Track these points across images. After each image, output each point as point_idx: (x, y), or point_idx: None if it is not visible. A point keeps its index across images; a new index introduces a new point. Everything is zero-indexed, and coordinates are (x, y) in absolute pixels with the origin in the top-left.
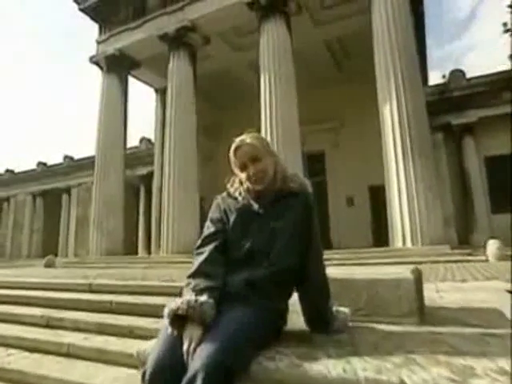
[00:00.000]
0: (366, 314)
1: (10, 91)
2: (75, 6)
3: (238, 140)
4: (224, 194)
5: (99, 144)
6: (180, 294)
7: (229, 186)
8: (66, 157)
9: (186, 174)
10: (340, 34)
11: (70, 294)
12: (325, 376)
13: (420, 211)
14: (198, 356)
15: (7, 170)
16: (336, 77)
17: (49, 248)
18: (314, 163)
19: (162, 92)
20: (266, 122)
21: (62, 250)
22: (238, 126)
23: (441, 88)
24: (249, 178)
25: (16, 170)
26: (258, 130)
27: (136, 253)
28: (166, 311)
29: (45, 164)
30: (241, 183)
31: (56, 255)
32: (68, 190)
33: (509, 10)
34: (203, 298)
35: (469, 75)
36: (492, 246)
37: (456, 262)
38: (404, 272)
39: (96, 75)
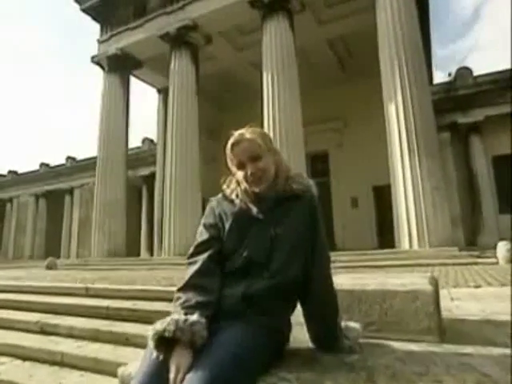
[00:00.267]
0: (378, 329)
1: (13, 91)
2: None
3: (236, 134)
4: (219, 196)
5: (101, 144)
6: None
7: (225, 186)
8: (68, 158)
9: (187, 174)
10: (343, 33)
11: (66, 299)
12: None
13: (427, 212)
14: None
15: (10, 172)
16: (339, 76)
17: (51, 249)
18: (318, 164)
19: (164, 92)
20: (268, 122)
21: (65, 251)
22: (241, 126)
23: (447, 86)
24: (246, 179)
25: (19, 172)
26: None
27: (138, 254)
28: (150, 333)
29: (47, 165)
30: (238, 184)
31: (58, 256)
32: (71, 191)
33: None
34: (194, 317)
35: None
36: (502, 248)
37: (465, 264)
38: (421, 282)
39: (100, 74)
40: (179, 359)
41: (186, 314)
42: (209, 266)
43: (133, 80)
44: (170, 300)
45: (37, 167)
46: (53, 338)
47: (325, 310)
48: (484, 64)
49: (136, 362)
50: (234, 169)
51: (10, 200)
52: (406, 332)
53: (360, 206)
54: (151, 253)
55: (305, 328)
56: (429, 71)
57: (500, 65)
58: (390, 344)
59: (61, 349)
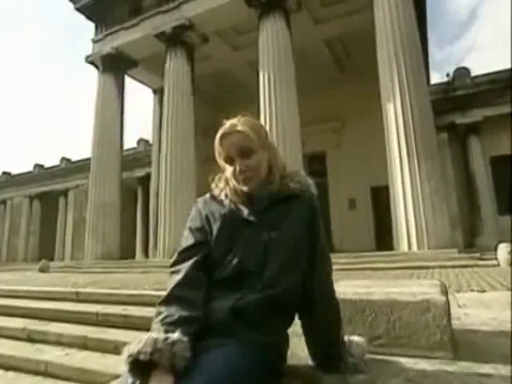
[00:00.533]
0: (385, 343)
1: (10, 91)
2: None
3: (227, 124)
4: (207, 196)
5: (95, 145)
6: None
7: (213, 185)
8: (63, 159)
9: (183, 175)
10: (341, 33)
11: (55, 304)
12: None
13: (426, 214)
14: None
15: (4, 173)
16: (337, 76)
17: (45, 251)
18: (315, 164)
19: (159, 92)
20: (265, 122)
21: (59, 254)
22: None
23: (445, 87)
24: (235, 175)
25: (13, 173)
26: None
27: (133, 257)
28: (124, 355)
29: (42, 166)
30: (227, 182)
31: (52, 259)
32: (65, 193)
33: None
34: (175, 335)
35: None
36: (503, 250)
37: (466, 266)
38: (432, 292)
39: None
40: None
41: (166, 331)
42: (194, 276)
43: (129, 80)
44: None
45: (31, 168)
46: (39, 345)
47: (326, 323)
48: (481, 65)
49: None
50: (222, 163)
51: (4, 202)
52: (415, 347)
53: (358, 207)
54: (146, 255)
55: (303, 339)
56: (426, 72)
57: (497, 66)
58: (398, 361)
59: (46, 357)
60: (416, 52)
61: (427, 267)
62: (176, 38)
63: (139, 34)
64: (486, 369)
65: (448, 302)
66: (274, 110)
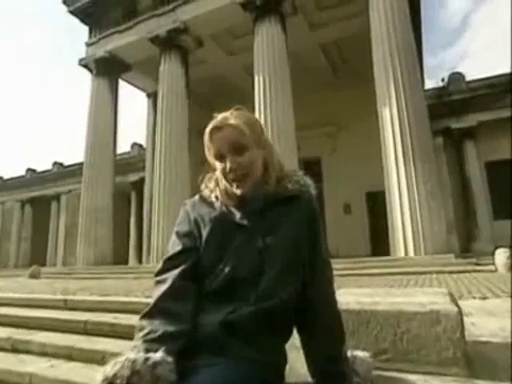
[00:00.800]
0: (391, 358)
1: (3, 92)
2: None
3: (218, 118)
4: (195, 197)
5: (88, 149)
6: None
7: (203, 186)
8: (55, 163)
9: (177, 179)
10: (336, 37)
11: (43, 312)
12: None
13: (423, 218)
14: None
15: None
16: (333, 81)
17: (37, 257)
18: (311, 169)
19: (154, 96)
20: None
21: (51, 259)
22: None
23: (439, 91)
24: (225, 175)
25: (4, 177)
26: None
27: (126, 262)
28: (98, 378)
29: (34, 170)
30: (218, 182)
31: (44, 264)
32: (57, 197)
33: None
34: (158, 354)
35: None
36: (501, 255)
37: (463, 272)
38: (442, 301)
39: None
40: None
41: (147, 350)
42: (181, 286)
43: (124, 84)
44: None
45: (23, 172)
46: (23, 356)
47: (328, 337)
48: (474, 72)
49: None
50: (211, 160)
51: None
52: (425, 363)
53: (353, 212)
54: (140, 260)
55: (302, 352)
56: (421, 78)
57: (490, 72)
58: (407, 379)
59: (30, 369)
60: (411, 53)
61: (424, 273)
62: (171, 42)
63: (133, 38)
64: None
65: (461, 313)
66: (270, 113)
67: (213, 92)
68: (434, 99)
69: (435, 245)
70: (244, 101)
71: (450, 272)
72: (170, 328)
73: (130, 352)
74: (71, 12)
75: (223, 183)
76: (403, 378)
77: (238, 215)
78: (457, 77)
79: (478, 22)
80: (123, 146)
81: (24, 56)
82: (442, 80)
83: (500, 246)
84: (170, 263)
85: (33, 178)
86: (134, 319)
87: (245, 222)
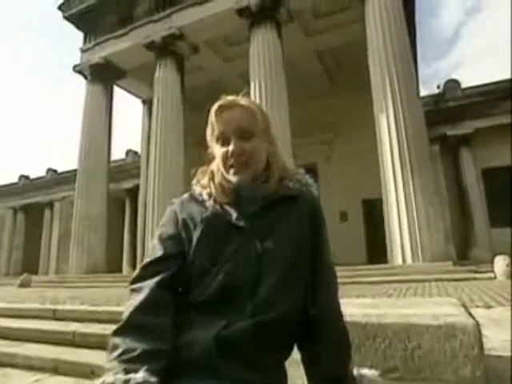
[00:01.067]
0: (402, 377)
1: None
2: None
3: (226, 98)
4: (185, 195)
5: (82, 156)
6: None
7: (194, 181)
8: (49, 170)
9: (171, 187)
10: (332, 44)
11: (29, 323)
12: None
13: (420, 225)
14: None
15: None
16: (328, 88)
17: (29, 265)
18: None
19: (149, 103)
20: None
21: (43, 267)
22: None
23: (435, 98)
24: (225, 160)
25: None
26: None
27: (120, 270)
28: None
29: (27, 177)
30: (212, 177)
31: (36, 273)
32: (51, 204)
33: None
34: (139, 375)
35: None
36: (501, 262)
37: (462, 280)
38: (457, 313)
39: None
40: None
41: (126, 371)
42: (159, 296)
43: (119, 90)
44: None
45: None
46: (8, 370)
47: (333, 355)
48: (467, 81)
49: None
50: (212, 143)
51: None
52: (440, 381)
53: (349, 220)
54: (134, 269)
55: (302, 368)
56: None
57: (483, 81)
58: None
59: None
60: (407, 61)
61: (423, 280)
62: (166, 48)
63: (129, 44)
64: None
65: (478, 326)
66: None
67: (208, 99)
68: (430, 106)
69: (433, 252)
70: None
71: (449, 280)
72: (148, 346)
73: (105, 375)
74: (66, 18)
75: (219, 174)
76: None
77: (233, 215)
78: (452, 84)
79: (470, 33)
80: (119, 153)
81: (17, 61)
82: (438, 87)
83: (498, 254)
84: (147, 270)
85: (26, 184)
86: None
87: (241, 223)
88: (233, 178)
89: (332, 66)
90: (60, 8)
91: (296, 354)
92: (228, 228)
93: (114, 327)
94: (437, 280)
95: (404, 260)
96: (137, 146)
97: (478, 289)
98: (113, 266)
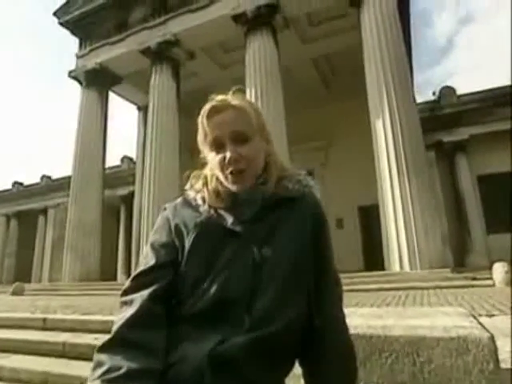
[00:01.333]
0: None
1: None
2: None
3: (217, 99)
4: (178, 200)
5: (76, 163)
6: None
7: (188, 185)
8: (43, 176)
9: (166, 194)
10: (328, 52)
11: (18, 333)
12: None
13: (417, 232)
14: None
15: None
16: (324, 94)
17: (22, 273)
18: None
19: (144, 109)
20: None
21: (36, 275)
22: None
23: (431, 105)
24: (222, 167)
25: None
26: None
27: (115, 278)
28: None
29: (21, 184)
30: (206, 182)
31: (29, 281)
32: (45, 211)
33: None
34: None
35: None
36: (499, 269)
37: (461, 287)
38: (469, 325)
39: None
40: None
41: None
42: (151, 310)
43: (116, 98)
44: None
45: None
46: None
47: (338, 373)
48: (463, 88)
49: None
50: (206, 149)
51: None
52: None
53: (345, 227)
54: (129, 276)
55: (302, 381)
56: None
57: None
58: None
59: None
60: (403, 67)
61: (422, 288)
62: (162, 54)
63: (124, 50)
64: None
65: (493, 339)
66: None
67: (204, 104)
68: (425, 113)
69: (431, 259)
70: None
71: (448, 287)
72: (137, 364)
73: None
74: (62, 24)
75: (214, 180)
76: None
77: (229, 220)
78: (447, 91)
79: (464, 42)
80: (115, 160)
81: (11, 67)
82: (433, 94)
83: (495, 261)
84: (139, 281)
85: (19, 191)
86: None
87: (238, 228)
88: (232, 187)
89: (328, 72)
90: (55, 14)
91: (296, 369)
92: (223, 234)
93: (106, 337)
94: (435, 287)
95: (401, 267)
96: (132, 153)
97: (478, 296)
98: (107, 273)
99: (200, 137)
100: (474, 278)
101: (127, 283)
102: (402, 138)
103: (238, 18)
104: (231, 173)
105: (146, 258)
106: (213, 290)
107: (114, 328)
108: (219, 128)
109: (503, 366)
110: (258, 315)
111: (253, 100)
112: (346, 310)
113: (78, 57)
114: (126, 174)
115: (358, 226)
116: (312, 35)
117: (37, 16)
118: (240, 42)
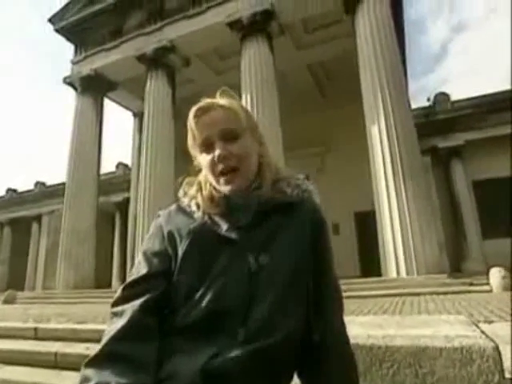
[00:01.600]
0: None
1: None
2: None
3: (204, 101)
4: (172, 207)
5: (70, 169)
6: None
7: (181, 192)
8: (37, 183)
9: (162, 200)
10: (323, 58)
11: (9, 343)
12: None
13: (414, 238)
14: None
15: None
16: (320, 101)
17: (15, 280)
18: None
19: (140, 116)
20: None
21: (30, 283)
22: None
23: (426, 111)
24: (213, 167)
25: None
26: None
27: (110, 285)
28: None
29: (15, 191)
30: (200, 187)
31: (23, 289)
32: (39, 218)
33: None
34: None
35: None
36: (496, 275)
37: (458, 293)
38: (472, 333)
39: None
40: None
41: None
42: (142, 322)
43: (112, 104)
44: None
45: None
46: None
47: (339, 383)
48: (457, 95)
49: None
50: (196, 153)
51: None
52: None
53: (341, 233)
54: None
55: None
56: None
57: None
58: None
59: None
60: (398, 73)
61: (419, 294)
62: (157, 60)
63: (120, 56)
64: None
65: (498, 349)
66: None
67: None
68: (420, 118)
69: (427, 264)
70: None
71: (445, 293)
72: (126, 380)
73: None
74: (57, 30)
75: (208, 185)
76: None
77: (224, 226)
78: (442, 97)
79: (457, 49)
80: (110, 166)
81: (8, 71)
82: (428, 100)
83: (491, 265)
84: (130, 291)
85: (13, 198)
86: None
87: (233, 235)
88: (225, 189)
89: (323, 78)
90: (50, 21)
91: (294, 382)
92: (217, 241)
93: (98, 346)
94: (432, 293)
95: (398, 272)
96: (128, 159)
97: (476, 302)
98: (102, 281)
99: (190, 141)
100: (471, 284)
101: (118, 293)
102: (398, 142)
103: (233, 25)
104: (222, 173)
105: (138, 267)
106: (207, 299)
107: (103, 341)
108: (208, 128)
109: (507, 375)
110: (255, 326)
111: (248, 106)
112: (344, 318)
113: (74, 63)
114: (121, 180)
115: (354, 231)
116: (307, 42)
117: (34, 22)
118: (236, 49)
